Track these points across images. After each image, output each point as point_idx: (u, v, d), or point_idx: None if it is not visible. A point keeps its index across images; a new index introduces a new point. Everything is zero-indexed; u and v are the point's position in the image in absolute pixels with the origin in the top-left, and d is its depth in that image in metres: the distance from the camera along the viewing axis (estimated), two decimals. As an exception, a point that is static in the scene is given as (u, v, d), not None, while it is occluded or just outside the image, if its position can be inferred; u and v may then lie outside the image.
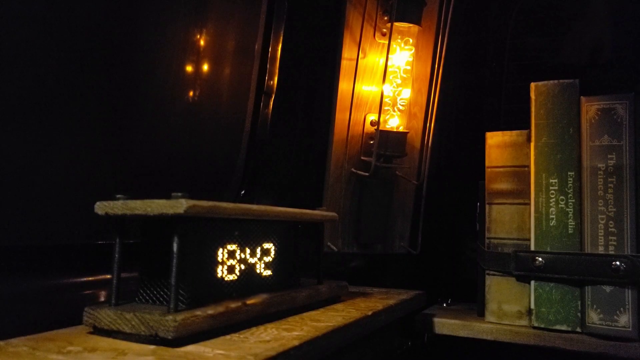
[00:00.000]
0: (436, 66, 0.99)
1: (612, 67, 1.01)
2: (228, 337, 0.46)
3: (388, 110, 0.98)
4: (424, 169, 1.02)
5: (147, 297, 0.50)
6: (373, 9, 0.97)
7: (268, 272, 0.60)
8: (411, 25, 0.96)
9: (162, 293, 0.49)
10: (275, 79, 0.88)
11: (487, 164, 0.83)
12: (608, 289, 0.71)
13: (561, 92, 0.76)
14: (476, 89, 1.13)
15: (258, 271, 0.58)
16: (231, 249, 0.54)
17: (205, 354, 0.41)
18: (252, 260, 0.57)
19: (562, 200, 0.75)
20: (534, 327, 0.75)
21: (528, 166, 0.78)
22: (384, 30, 0.97)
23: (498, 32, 1.12)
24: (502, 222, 0.81)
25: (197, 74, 0.77)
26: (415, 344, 0.87)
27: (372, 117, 0.98)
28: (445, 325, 0.82)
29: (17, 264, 0.53)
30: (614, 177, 0.72)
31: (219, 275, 0.52)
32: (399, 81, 0.98)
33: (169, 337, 0.42)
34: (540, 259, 0.74)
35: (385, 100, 0.97)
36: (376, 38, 0.98)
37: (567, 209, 0.74)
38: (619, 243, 0.71)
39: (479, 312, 0.83)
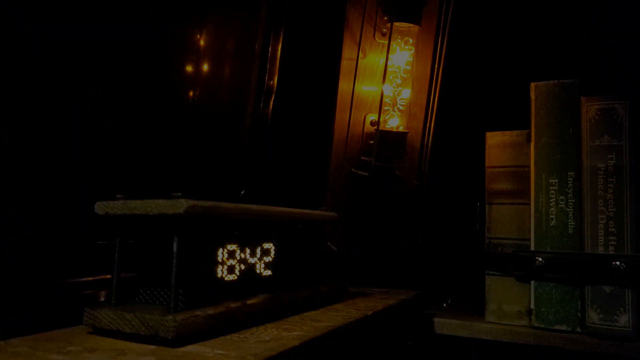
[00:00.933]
0: (436, 66, 0.99)
1: (612, 67, 1.01)
2: (228, 337, 0.46)
3: (388, 110, 0.98)
4: (424, 169, 1.02)
5: (147, 297, 0.50)
6: (373, 9, 0.97)
7: (268, 272, 0.60)
8: (411, 25, 0.96)
9: (162, 293, 0.49)
10: (275, 79, 0.88)
11: (487, 164, 0.83)
12: (608, 288, 0.71)
13: (561, 92, 0.76)
14: (476, 89, 1.12)
15: (258, 271, 0.58)
16: (231, 249, 0.54)
17: (205, 354, 0.41)
18: (252, 260, 0.57)
19: (562, 200, 0.75)
20: (534, 327, 0.75)
21: (528, 166, 0.78)
22: (384, 30, 0.97)
23: (498, 31, 1.12)
24: (502, 222, 0.81)
25: (197, 74, 0.77)
26: (415, 344, 0.86)
27: (372, 117, 0.98)
28: (445, 325, 0.82)
29: (17, 263, 0.53)
30: (614, 177, 0.72)
31: (219, 275, 0.52)
32: (399, 81, 0.98)
33: (169, 337, 0.42)
34: (540, 259, 0.74)
35: (385, 100, 0.97)
36: (376, 38, 0.98)
37: (567, 209, 0.74)
38: (619, 243, 0.71)
39: (479, 312, 0.83)
